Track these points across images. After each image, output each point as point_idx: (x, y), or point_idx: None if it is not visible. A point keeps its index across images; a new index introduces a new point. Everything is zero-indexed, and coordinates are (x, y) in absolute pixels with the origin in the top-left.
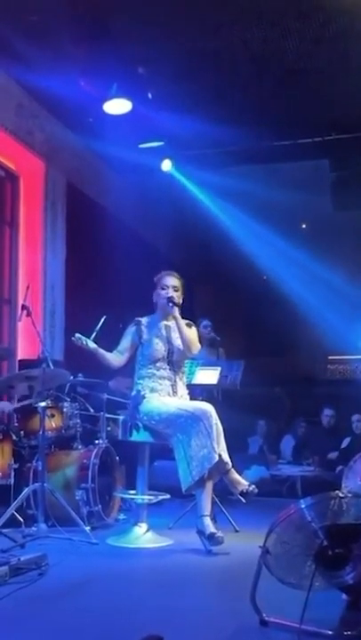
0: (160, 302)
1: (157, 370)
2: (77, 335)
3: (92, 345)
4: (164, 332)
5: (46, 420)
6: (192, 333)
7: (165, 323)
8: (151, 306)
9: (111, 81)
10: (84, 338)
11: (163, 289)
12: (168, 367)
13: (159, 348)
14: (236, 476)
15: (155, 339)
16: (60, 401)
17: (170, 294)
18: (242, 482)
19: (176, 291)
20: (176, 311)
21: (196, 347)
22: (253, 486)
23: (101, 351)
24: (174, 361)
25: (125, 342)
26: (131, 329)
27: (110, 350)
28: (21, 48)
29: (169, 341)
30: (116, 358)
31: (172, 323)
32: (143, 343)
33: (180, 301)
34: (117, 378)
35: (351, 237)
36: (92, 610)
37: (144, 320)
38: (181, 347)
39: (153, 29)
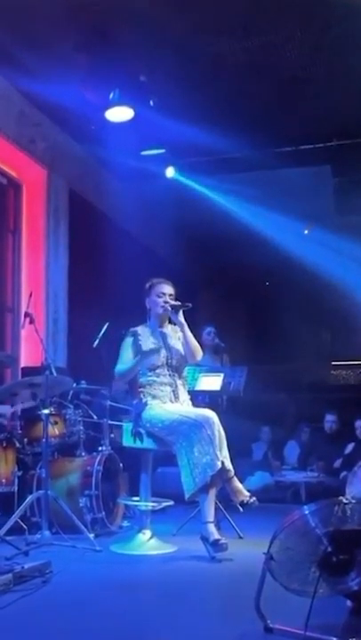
0: (156, 310)
1: (157, 377)
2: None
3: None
4: (161, 338)
5: (49, 427)
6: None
7: (161, 330)
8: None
9: (113, 88)
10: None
11: (159, 297)
12: (168, 373)
13: (158, 354)
14: (237, 484)
15: (152, 346)
16: (63, 408)
17: (168, 302)
18: (243, 492)
19: (172, 299)
20: (181, 316)
21: (200, 353)
22: (254, 498)
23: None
24: (174, 366)
25: (129, 354)
26: (128, 340)
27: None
28: (23, 56)
29: (167, 347)
30: None
31: (168, 329)
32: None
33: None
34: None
35: (354, 241)
36: (96, 617)
37: (139, 329)
38: (181, 351)
39: (154, 37)
